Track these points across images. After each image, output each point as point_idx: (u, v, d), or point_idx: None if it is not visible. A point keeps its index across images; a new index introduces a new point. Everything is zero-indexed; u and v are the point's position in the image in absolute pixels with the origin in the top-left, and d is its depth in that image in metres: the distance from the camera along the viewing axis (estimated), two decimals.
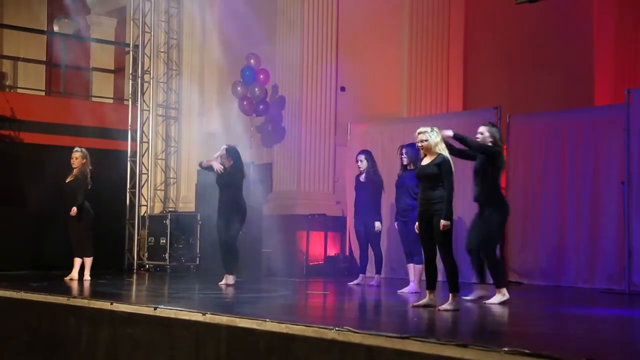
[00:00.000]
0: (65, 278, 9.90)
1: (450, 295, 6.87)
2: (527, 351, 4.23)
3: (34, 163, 12.37)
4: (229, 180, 9.21)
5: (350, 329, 4.91)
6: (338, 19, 12.49)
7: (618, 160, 9.43)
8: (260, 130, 12.83)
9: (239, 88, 12.56)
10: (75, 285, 9.37)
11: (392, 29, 12.70)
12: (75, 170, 10.01)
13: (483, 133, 7.80)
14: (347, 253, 11.97)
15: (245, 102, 12.49)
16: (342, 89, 12.54)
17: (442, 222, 6.72)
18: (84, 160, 10.01)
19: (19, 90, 14.13)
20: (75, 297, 7.26)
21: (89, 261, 10.07)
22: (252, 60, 12.57)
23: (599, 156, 9.69)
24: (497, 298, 7.51)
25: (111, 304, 6.72)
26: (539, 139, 10.26)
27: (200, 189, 12.69)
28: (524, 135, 10.38)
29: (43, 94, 14.20)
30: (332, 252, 11.90)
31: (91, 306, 6.89)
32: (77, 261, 10.02)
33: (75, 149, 10.19)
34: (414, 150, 8.62)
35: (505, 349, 4.27)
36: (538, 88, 11.86)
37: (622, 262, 9.23)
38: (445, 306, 6.80)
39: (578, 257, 9.77)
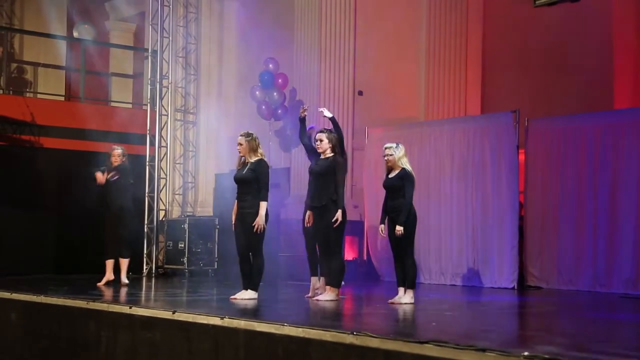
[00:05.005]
0: (99, 284, 9.68)
1: (407, 290, 7.69)
2: (546, 356, 4.20)
3: (53, 168, 12.46)
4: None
5: (368, 333, 4.90)
6: (355, 23, 12.49)
7: (637, 164, 9.36)
8: (278, 135, 12.85)
9: (257, 92, 12.59)
10: (115, 288, 9.25)
11: (409, 32, 12.69)
12: (117, 169, 9.91)
13: (322, 140, 8.01)
14: (365, 257, 11.96)
15: (263, 107, 12.53)
16: (360, 93, 12.53)
17: (397, 227, 7.58)
18: (124, 158, 9.96)
19: (39, 96, 14.24)
20: (94, 301, 7.29)
21: (126, 262, 9.93)
22: (270, 65, 12.60)
23: (618, 160, 9.63)
24: (329, 296, 7.87)
25: (130, 307, 6.75)
26: (557, 142, 10.21)
27: (218, 193, 12.72)
28: (543, 139, 10.33)
29: (63, 99, 14.31)
30: (349, 256, 11.89)
31: (110, 310, 6.92)
32: (110, 263, 9.84)
33: (115, 147, 10.14)
34: None
35: (525, 353, 4.25)
36: (557, 91, 11.81)
37: (639, 266, 9.16)
38: (397, 299, 7.71)
39: (596, 262, 9.71)
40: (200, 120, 14.25)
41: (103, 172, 9.88)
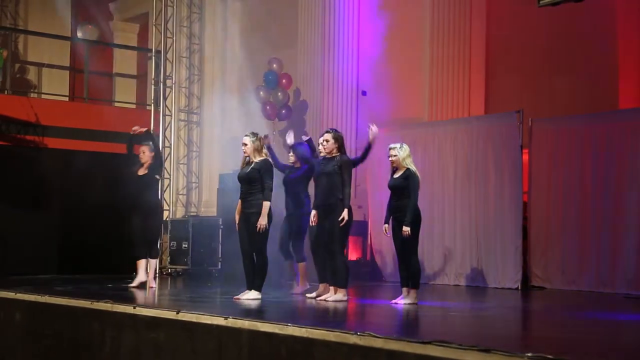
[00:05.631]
0: (131, 285, 9.27)
1: (410, 291, 7.71)
2: (550, 356, 4.20)
3: (58, 168, 12.49)
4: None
5: (372, 333, 4.90)
6: (359, 23, 12.48)
7: None
8: (282, 135, 12.85)
9: (261, 92, 12.60)
10: (143, 291, 8.89)
11: (413, 32, 12.68)
12: (145, 164, 9.39)
13: (328, 140, 7.94)
14: (369, 257, 11.96)
15: (268, 107, 12.54)
16: (364, 93, 12.53)
17: (404, 228, 7.58)
18: (152, 154, 9.44)
19: (43, 96, 14.28)
20: (98, 302, 7.30)
21: (154, 263, 9.53)
22: (274, 65, 12.61)
23: (623, 160, 9.61)
24: (337, 296, 7.85)
25: (134, 308, 6.76)
26: (561, 143, 10.19)
27: (222, 193, 12.73)
28: (547, 139, 10.32)
29: (67, 99, 14.34)
30: (353, 256, 11.89)
31: (114, 310, 6.93)
32: (143, 263, 9.33)
33: (144, 142, 9.94)
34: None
35: (529, 354, 4.25)
36: (561, 91, 11.78)
37: None
38: (400, 299, 7.73)
39: (600, 262, 9.70)
40: (203, 120, 14.27)
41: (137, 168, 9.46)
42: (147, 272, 9.35)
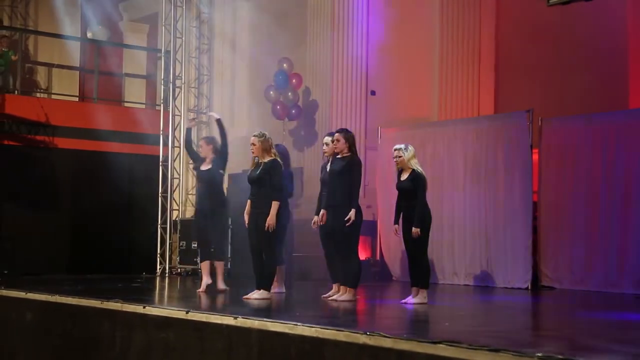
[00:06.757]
0: (199, 290, 8.67)
1: (420, 290, 7.72)
2: (560, 356, 4.19)
3: (68, 168, 12.53)
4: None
5: (382, 333, 4.90)
6: (368, 23, 12.48)
7: None
8: (292, 134, 12.87)
9: (271, 92, 12.62)
10: (211, 296, 8.36)
11: (423, 31, 12.67)
12: (208, 158, 8.93)
13: (340, 140, 7.93)
14: (378, 257, 11.96)
15: (278, 107, 12.55)
16: (373, 92, 12.53)
17: (413, 229, 7.59)
18: (210, 146, 8.95)
19: (53, 97, 14.33)
20: (108, 301, 7.32)
21: (221, 266, 8.92)
22: (284, 65, 12.62)
23: (632, 160, 9.57)
24: (346, 296, 7.84)
25: (144, 307, 6.77)
26: (571, 142, 10.16)
27: (231, 193, 12.72)
28: (557, 139, 10.29)
29: (77, 99, 14.38)
30: (362, 256, 11.87)
31: (124, 310, 6.95)
32: (206, 265, 8.82)
33: (201, 137, 9.62)
34: None
35: (539, 354, 4.24)
36: (571, 91, 11.75)
37: None
38: (409, 299, 7.75)
39: (608, 262, 9.67)
40: (213, 120, 14.26)
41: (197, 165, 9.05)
42: (209, 275, 8.80)
